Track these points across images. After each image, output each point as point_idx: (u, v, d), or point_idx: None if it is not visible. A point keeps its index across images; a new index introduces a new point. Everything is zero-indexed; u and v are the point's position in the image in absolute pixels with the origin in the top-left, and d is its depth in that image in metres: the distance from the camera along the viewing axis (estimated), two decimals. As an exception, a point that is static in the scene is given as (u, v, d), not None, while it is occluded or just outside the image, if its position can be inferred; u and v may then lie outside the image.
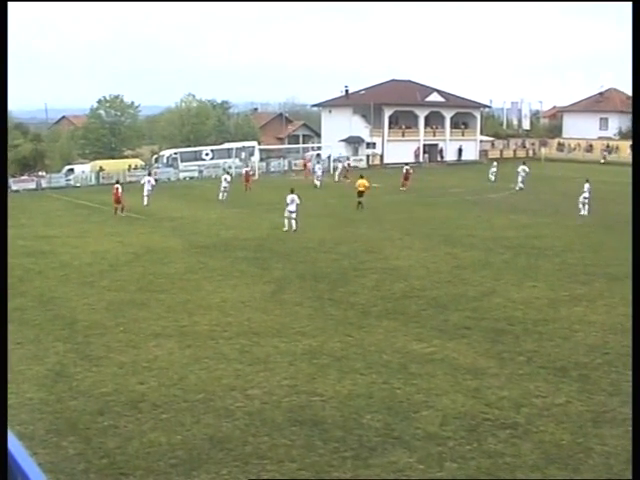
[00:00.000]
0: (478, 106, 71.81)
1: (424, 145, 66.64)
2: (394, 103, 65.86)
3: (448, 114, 68.07)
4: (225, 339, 14.14)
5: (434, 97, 67.85)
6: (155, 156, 62.12)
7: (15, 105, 77.06)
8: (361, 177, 35.41)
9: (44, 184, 49.59)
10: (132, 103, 77.79)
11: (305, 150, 66.21)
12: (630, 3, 10.58)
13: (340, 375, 12.05)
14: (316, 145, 68.64)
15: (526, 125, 75.93)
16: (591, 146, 71.54)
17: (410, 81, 71.22)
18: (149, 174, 42.09)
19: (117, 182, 36.08)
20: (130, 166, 55.87)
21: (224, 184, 38.81)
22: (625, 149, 63.55)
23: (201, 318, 15.66)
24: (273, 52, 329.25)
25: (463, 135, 69.19)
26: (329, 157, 58.13)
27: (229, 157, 58.28)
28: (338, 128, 65.83)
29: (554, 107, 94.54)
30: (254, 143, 62.60)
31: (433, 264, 21.54)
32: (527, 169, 43.77)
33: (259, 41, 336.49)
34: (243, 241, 25.83)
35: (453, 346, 13.60)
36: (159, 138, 79.17)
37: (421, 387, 11.51)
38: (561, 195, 33.37)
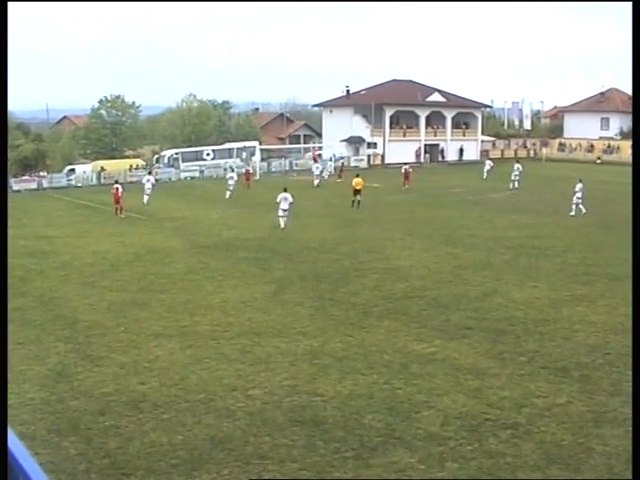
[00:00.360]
0: (479, 106, 71.82)
1: (425, 145, 66.65)
2: (395, 103, 65.86)
3: (449, 114, 68.08)
4: (226, 339, 14.14)
5: (435, 97, 67.85)
6: (156, 156, 62.18)
7: (16, 105, 77.35)
8: (357, 176, 36.32)
9: (45, 184, 49.66)
10: (133, 103, 77.92)
11: (306, 150, 66.24)
12: (630, 3, 10.58)
13: (341, 375, 12.05)
14: (317, 145, 68.65)
15: (527, 125, 75.93)
16: (592, 146, 71.48)
17: (411, 81, 71.23)
18: (149, 173, 42.18)
19: (116, 182, 36.12)
20: (131, 166, 55.94)
21: (230, 182, 39.62)
22: (626, 149, 63.43)
23: (202, 318, 15.67)
24: (273, 52, 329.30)
25: (464, 135, 69.19)
26: (336, 156, 58.18)
27: (230, 157, 58.35)
28: (339, 128, 65.87)
29: (555, 107, 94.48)
30: (255, 143, 62.63)
31: (434, 264, 21.54)
32: (520, 167, 44.70)
33: (259, 41, 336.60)
34: (244, 241, 25.83)
35: (454, 346, 13.60)
36: (160, 138, 79.21)
37: (422, 387, 11.51)
38: (562, 195, 33.33)
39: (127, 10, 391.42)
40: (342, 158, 56.38)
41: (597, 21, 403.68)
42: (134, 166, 56.22)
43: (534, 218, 31.32)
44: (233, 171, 43.95)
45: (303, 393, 11.28)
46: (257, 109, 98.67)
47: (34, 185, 49.13)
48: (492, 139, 74.37)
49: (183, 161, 57.02)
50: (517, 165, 45.20)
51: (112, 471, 8.88)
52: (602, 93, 79.38)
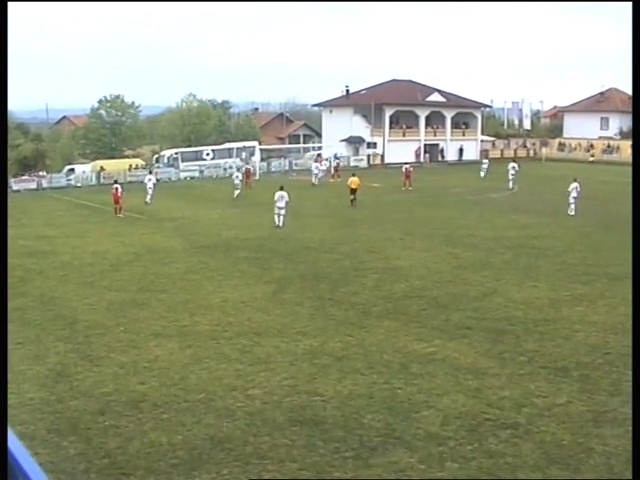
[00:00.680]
0: (479, 106, 71.82)
1: (425, 145, 66.64)
2: (395, 103, 65.86)
3: (449, 114, 68.08)
4: (226, 339, 14.14)
5: (435, 97, 67.85)
6: (156, 156, 62.14)
7: (16, 105, 77.35)
8: (353, 175, 36.89)
9: (45, 184, 49.63)
10: (133, 103, 77.88)
11: (306, 150, 66.22)
12: (630, 3, 10.57)
13: (341, 375, 12.05)
14: (317, 145, 68.63)
15: (527, 125, 75.92)
16: (592, 146, 71.51)
17: (411, 81, 71.23)
18: (150, 173, 42.19)
19: (115, 182, 36.17)
20: (131, 166, 55.92)
21: (236, 182, 40.21)
22: (626, 149, 63.46)
23: (202, 318, 15.67)
24: (273, 52, 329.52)
25: (464, 135, 69.20)
26: (335, 156, 58.18)
27: (230, 157, 58.34)
28: (339, 128, 65.88)
29: (555, 107, 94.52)
30: (255, 143, 62.60)
31: (434, 264, 21.54)
32: (516, 167, 44.95)
33: (259, 41, 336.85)
34: (244, 241, 25.83)
35: (454, 346, 13.59)
36: (160, 138, 79.22)
37: (422, 387, 11.51)
38: (561, 195, 33.31)
39: (127, 10, 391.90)
40: (338, 158, 56.45)
41: (597, 21, 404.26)
42: (134, 166, 56.21)
43: (534, 218, 31.31)
44: (239, 170, 44.47)
45: (303, 393, 11.28)
46: (257, 109, 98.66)
47: (34, 185, 49.11)
48: (492, 139, 74.37)
49: (183, 161, 57.00)
50: (513, 164, 45.44)
51: (112, 471, 8.88)
52: (602, 93, 79.41)
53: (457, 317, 15.62)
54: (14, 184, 47.52)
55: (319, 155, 60.26)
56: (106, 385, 11.70)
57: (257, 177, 50.65)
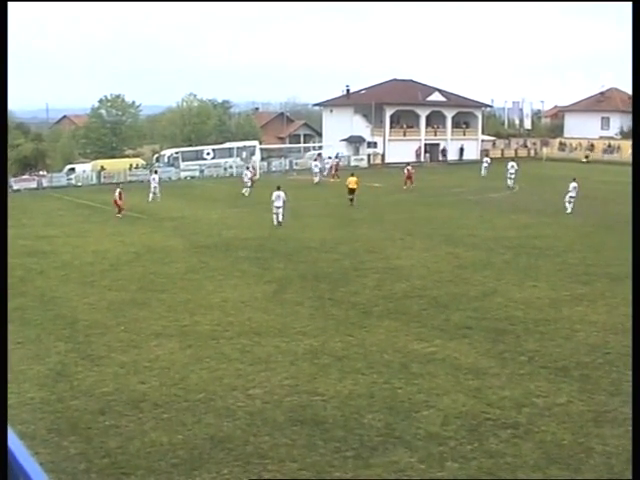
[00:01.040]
0: (479, 105, 71.78)
1: (425, 144, 66.60)
2: (395, 102, 65.84)
3: (449, 113, 68.04)
4: (226, 339, 14.14)
5: (435, 96, 67.80)
6: (156, 155, 62.12)
7: (16, 105, 77.24)
8: (352, 175, 37.08)
9: (45, 183, 49.66)
10: (133, 103, 77.82)
11: (306, 150, 66.22)
12: (630, 3, 10.57)
13: (341, 375, 12.05)
14: (317, 145, 68.60)
15: (527, 125, 75.93)
16: (592, 146, 71.49)
17: (411, 80, 71.19)
18: (155, 172, 42.21)
19: (118, 185, 36.51)
20: (131, 165, 55.92)
21: (245, 180, 40.88)
22: (627, 149, 63.41)
23: (202, 318, 15.67)
24: (273, 52, 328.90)
25: (464, 135, 69.15)
26: (336, 155, 58.22)
27: (230, 156, 58.33)
28: (339, 127, 65.87)
29: (555, 107, 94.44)
30: (255, 143, 62.59)
31: (434, 264, 21.54)
32: (515, 166, 45.01)
33: (259, 41, 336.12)
34: (244, 241, 25.83)
35: (454, 346, 13.59)
36: (160, 137, 79.19)
37: (422, 387, 11.51)
38: (562, 195, 33.29)
39: (127, 10, 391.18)
40: (337, 157, 56.49)
41: (597, 21, 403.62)
42: (134, 165, 56.21)
43: (534, 218, 31.31)
44: (248, 169, 44.81)
45: (303, 393, 11.28)
46: (257, 109, 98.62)
47: (34, 184, 49.13)
48: (492, 139, 74.30)
49: (183, 160, 57.00)
50: (512, 163, 45.50)
51: (112, 471, 8.88)
52: (602, 93, 79.34)
53: (457, 317, 15.62)
54: (14, 183, 47.55)
55: (319, 155, 60.33)
56: (106, 385, 11.70)
57: (257, 177, 50.65)
